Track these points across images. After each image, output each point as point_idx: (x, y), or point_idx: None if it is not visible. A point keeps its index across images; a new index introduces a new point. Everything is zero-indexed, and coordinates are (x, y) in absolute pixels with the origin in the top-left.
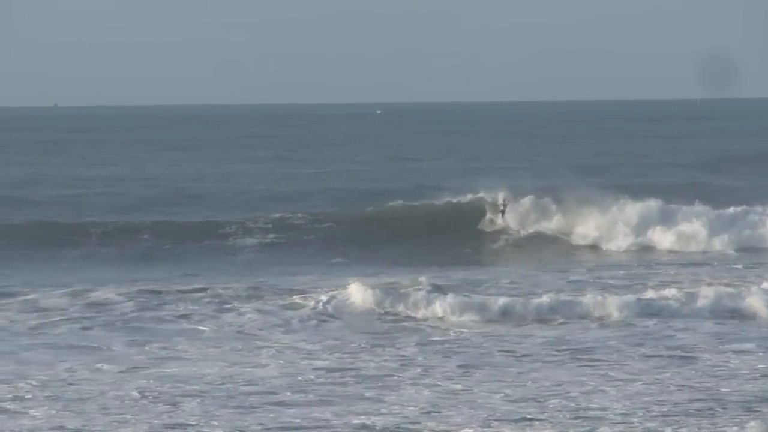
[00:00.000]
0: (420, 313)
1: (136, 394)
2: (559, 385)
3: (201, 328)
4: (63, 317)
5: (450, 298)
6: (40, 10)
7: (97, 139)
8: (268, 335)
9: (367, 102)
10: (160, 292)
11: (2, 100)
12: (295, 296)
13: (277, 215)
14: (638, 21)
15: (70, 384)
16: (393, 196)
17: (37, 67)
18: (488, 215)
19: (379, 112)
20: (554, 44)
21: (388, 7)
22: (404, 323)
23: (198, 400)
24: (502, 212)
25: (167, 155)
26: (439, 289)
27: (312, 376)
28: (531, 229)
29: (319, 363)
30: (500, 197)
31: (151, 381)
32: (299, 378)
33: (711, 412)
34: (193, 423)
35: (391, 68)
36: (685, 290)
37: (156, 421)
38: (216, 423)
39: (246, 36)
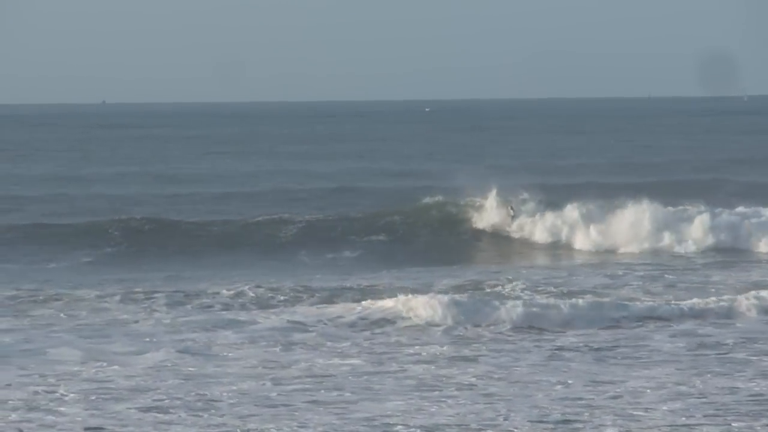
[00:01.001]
0: (465, 315)
1: (173, 393)
2: (602, 386)
3: (242, 327)
4: (102, 315)
5: (495, 302)
6: (89, 20)
7: (143, 135)
8: (310, 336)
9: (417, 99)
10: (199, 291)
11: (56, 97)
12: (336, 297)
13: (324, 213)
14: (689, 19)
15: (106, 383)
16: (431, 192)
17: (87, 69)
18: (504, 217)
19: (427, 109)
20: (593, 45)
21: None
22: (447, 325)
23: (237, 400)
24: (512, 217)
25: (211, 150)
26: (484, 293)
27: (351, 376)
28: (565, 232)
29: (356, 361)
30: (508, 206)
31: (190, 380)
32: (340, 378)
33: (762, 414)
34: (232, 423)
35: (440, 66)
36: (727, 294)
37: (194, 421)
38: (254, 424)
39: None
